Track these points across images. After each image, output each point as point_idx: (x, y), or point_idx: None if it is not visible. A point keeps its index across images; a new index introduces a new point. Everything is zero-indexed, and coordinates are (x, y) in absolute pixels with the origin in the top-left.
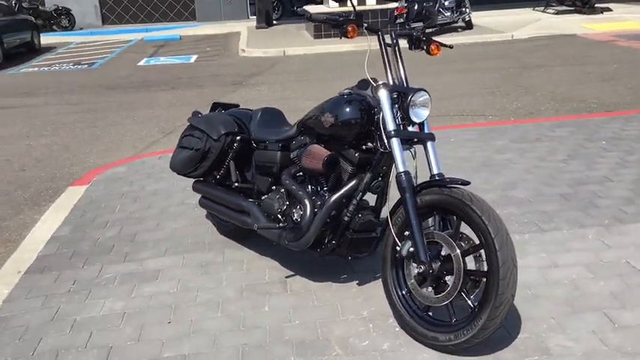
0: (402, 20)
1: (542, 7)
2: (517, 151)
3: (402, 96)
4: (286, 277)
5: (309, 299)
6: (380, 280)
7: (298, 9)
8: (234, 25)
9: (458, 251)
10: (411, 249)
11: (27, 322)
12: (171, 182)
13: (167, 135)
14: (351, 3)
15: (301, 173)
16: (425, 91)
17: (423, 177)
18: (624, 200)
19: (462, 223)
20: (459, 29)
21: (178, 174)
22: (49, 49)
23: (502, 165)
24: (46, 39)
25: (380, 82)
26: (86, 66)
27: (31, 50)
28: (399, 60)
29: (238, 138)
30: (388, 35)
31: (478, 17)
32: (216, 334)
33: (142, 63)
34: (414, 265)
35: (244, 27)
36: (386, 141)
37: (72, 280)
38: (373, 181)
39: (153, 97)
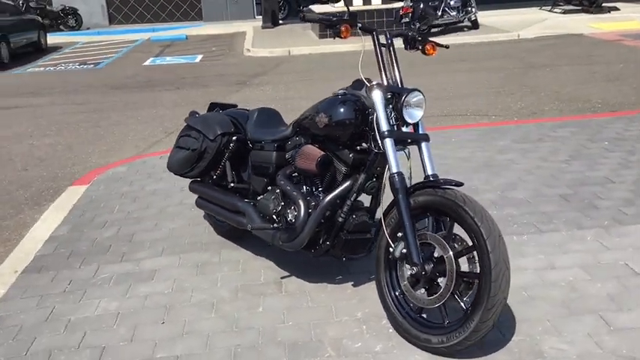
0: (407, 20)
1: (549, 7)
2: (519, 151)
3: (395, 96)
4: (282, 277)
5: (303, 300)
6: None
7: (304, 8)
8: (240, 24)
9: (450, 253)
10: (404, 250)
11: (21, 322)
12: (171, 182)
13: (170, 135)
14: (345, 3)
15: (296, 174)
16: (419, 91)
17: (418, 178)
18: (624, 201)
19: (456, 225)
20: (465, 29)
21: (175, 174)
22: (55, 48)
23: (503, 165)
24: (53, 39)
25: (374, 83)
26: (92, 66)
27: (38, 50)
28: (394, 60)
29: (234, 138)
30: (383, 35)
31: (484, 17)
32: (209, 335)
33: (147, 63)
34: (407, 266)
35: (250, 27)
36: (380, 142)
37: (68, 280)
38: (367, 181)
39: (157, 96)
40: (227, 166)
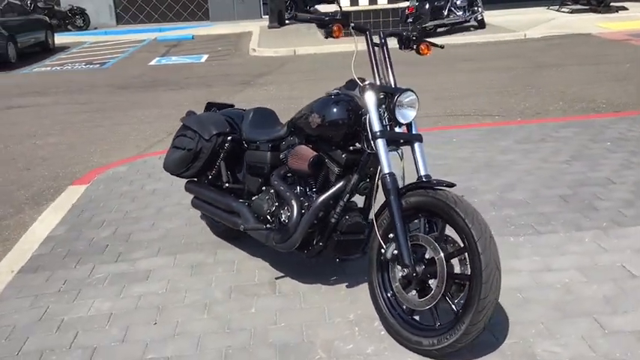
0: (412, 20)
1: (557, 6)
2: (520, 151)
3: (388, 96)
4: (276, 278)
5: (296, 301)
6: None
7: (311, 8)
8: (247, 24)
9: (442, 254)
10: (396, 252)
11: (15, 322)
12: (171, 182)
13: (172, 135)
14: (337, 3)
15: (290, 174)
16: (412, 91)
17: (412, 178)
18: (624, 202)
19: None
20: (472, 28)
21: (171, 174)
22: (63, 48)
23: (503, 166)
24: (60, 39)
25: (366, 82)
26: (98, 65)
27: (46, 50)
28: (388, 60)
29: (229, 138)
30: (376, 35)
31: (491, 16)
32: (200, 336)
33: (153, 63)
34: (399, 268)
35: (257, 26)
36: (372, 142)
37: (63, 279)
38: (360, 182)
39: (161, 96)
40: (222, 166)
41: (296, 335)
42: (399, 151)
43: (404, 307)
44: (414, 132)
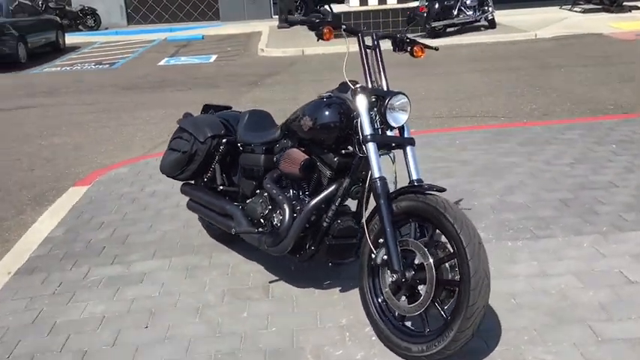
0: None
1: (569, 6)
2: (523, 154)
3: (380, 99)
4: (270, 282)
5: (289, 305)
6: None
7: (321, 8)
8: (257, 24)
9: (431, 260)
10: (385, 257)
11: (8, 324)
12: (171, 184)
13: None
14: (329, 5)
15: (283, 177)
16: (404, 94)
17: (404, 182)
18: (626, 207)
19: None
20: (482, 28)
21: (167, 176)
22: (73, 48)
23: (505, 169)
24: (71, 39)
25: (358, 85)
26: (107, 66)
27: (56, 50)
28: (380, 63)
29: (224, 141)
30: (369, 37)
31: (503, 16)
32: (190, 340)
33: (162, 63)
34: (389, 273)
35: (267, 26)
36: (362, 146)
37: (58, 282)
38: (352, 186)
39: (168, 97)
40: (217, 168)
41: (286, 340)
42: (391, 154)
43: (395, 313)
44: (406, 135)
